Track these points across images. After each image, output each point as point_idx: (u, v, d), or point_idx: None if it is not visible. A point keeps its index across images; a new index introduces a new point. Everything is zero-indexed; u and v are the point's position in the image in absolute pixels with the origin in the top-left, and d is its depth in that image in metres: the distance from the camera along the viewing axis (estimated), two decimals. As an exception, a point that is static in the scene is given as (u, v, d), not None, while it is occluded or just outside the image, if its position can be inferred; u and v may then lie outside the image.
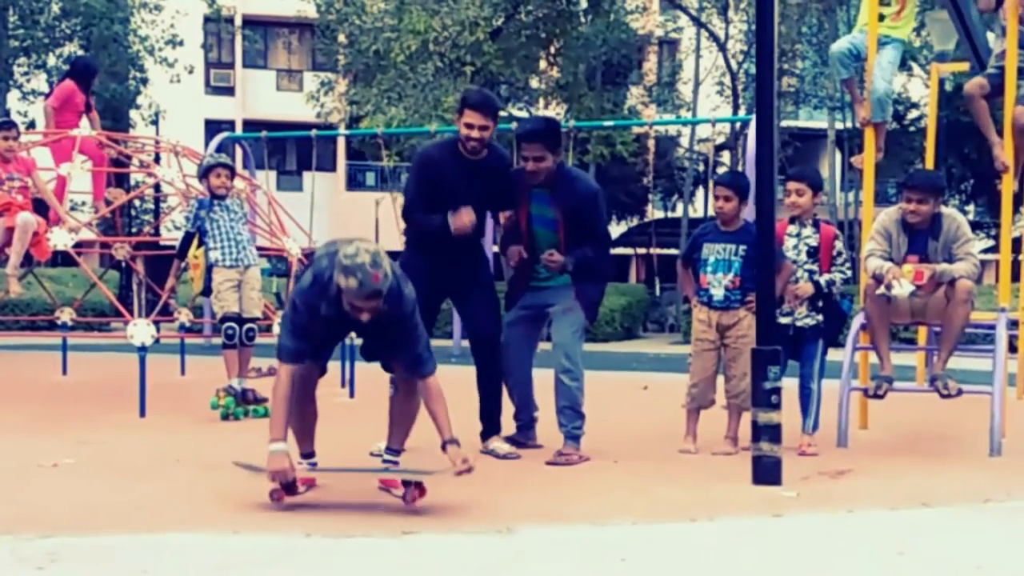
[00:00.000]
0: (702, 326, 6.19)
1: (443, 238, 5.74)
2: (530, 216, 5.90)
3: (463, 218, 5.68)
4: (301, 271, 5.76)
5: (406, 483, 4.31)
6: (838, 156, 29.16)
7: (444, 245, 5.79)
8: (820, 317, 6.21)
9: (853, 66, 7.37)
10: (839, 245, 6.27)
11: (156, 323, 7.73)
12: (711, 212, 6.30)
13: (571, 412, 5.82)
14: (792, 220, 6.30)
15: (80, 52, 22.88)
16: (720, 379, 6.23)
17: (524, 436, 6.21)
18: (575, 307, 5.87)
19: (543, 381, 6.22)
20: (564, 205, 5.82)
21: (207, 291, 7.70)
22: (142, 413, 7.20)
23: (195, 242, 7.79)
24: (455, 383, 7.61)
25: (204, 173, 7.64)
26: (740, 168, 20.59)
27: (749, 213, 6.87)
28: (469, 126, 5.72)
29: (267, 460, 4.31)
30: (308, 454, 4.77)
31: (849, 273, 6.32)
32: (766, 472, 5.03)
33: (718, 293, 6.13)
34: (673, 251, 28.71)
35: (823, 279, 6.18)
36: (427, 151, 6.09)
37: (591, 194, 5.95)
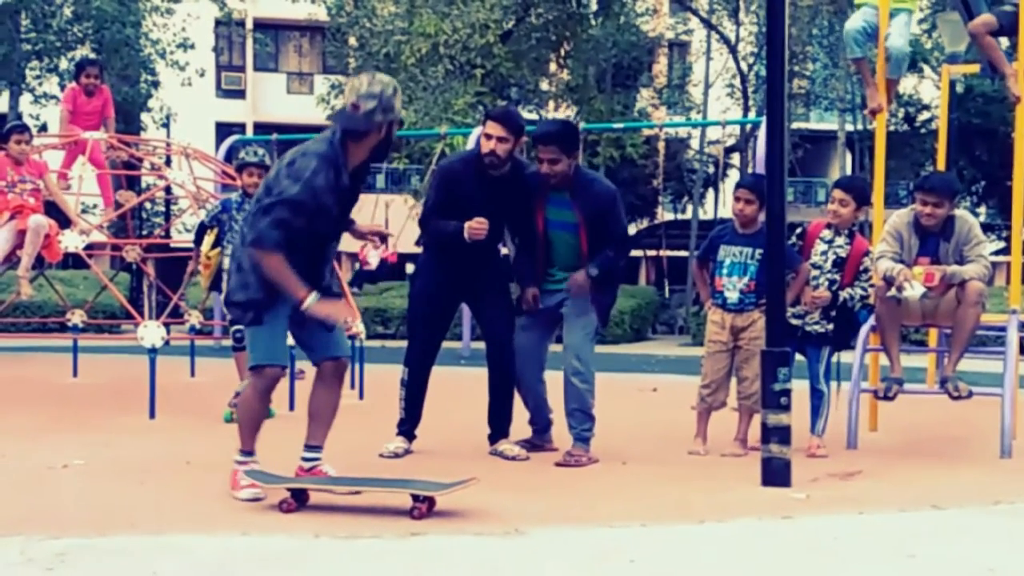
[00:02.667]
0: (715, 327, 6.17)
1: (458, 244, 5.75)
2: (547, 221, 5.88)
3: (477, 226, 5.68)
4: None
5: (415, 496, 4.31)
6: (848, 158, 29.10)
7: (461, 250, 5.79)
8: (831, 327, 6.19)
9: (867, 44, 7.30)
10: (867, 262, 6.22)
11: (166, 325, 7.74)
12: (721, 214, 6.30)
13: (581, 414, 5.82)
14: (829, 225, 6.27)
15: (92, 55, 22.98)
16: (732, 381, 6.22)
17: (540, 439, 6.20)
18: (589, 310, 5.87)
19: (553, 382, 6.22)
20: (585, 208, 5.80)
21: (216, 287, 7.70)
22: (152, 415, 7.22)
23: (211, 240, 7.80)
24: (465, 384, 7.66)
25: (238, 169, 7.66)
26: (750, 170, 20.56)
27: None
28: (488, 137, 5.75)
29: (315, 309, 4.52)
30: (249, 452, 4.72)
31: (870, 291, 6.27)
32: (775, 474, 5.02)
33: (733, 296, 6.11)
34: (683, 253, 28.69)
35: (844, 294, 6.16)
36: (450, 164, 6.15)
37: (610, 196, 5.93)
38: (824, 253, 6.21)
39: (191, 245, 8.29)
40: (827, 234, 6.26)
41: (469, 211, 5.72)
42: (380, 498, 4.48)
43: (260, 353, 4.65)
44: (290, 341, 5.00)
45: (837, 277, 6.19)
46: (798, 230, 6.37)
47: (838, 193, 6.26)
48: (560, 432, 6.12)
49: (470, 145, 12.66)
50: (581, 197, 5.83)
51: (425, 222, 5.98)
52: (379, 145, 4.66)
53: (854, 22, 7.38)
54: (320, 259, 4.74)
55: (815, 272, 6.18)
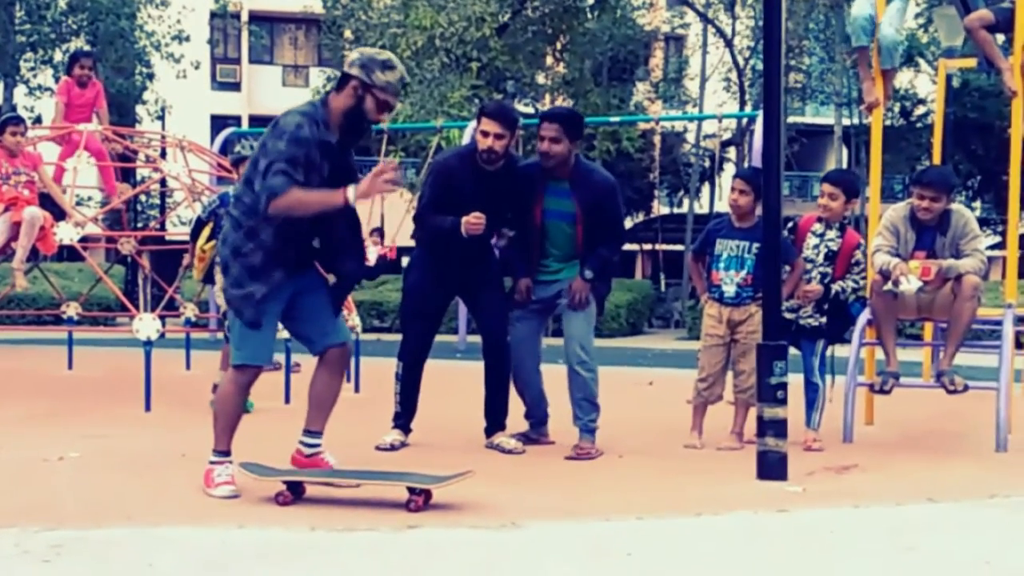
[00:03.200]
0: (712, 321, 6.18)
1: (453, 238, 5.75)
2: (545, 211, 5.89)
3: (475, 221, 5.68)
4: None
5: (412, 489, 4.31)
6: (845, 152, 29.11)
7: (454, 245, 5.80)
8: (824, 320, 6.20)
9: (873, 32, 7.19)
10: (859, 255, 6.23)
11: (162, 318, 7.73)
12: (717, 208, 6.31)
13: (587, 404, 5.83)
14: (820, 219, 6.27)
15: (87, 47, 22.90)
16: (728, 374, 6.22)
17: (537, 433, 6.21)
18: (589, 300, 5.89)
19: (551, 377, 6.22)
20: (584, 198, 5.83)
21: (210, 279, 7.70)
22: (147, 407, 7.21)
23: (206, 233, 7.79)
24: (461, 378, 7.66)
25: (234, 164, 7.66)
26: (746, 164, 20.57)
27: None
28: (484, 134, 5.76)
29: (361, 194, 4.48)
30: (225, 451, 4.63)
31: (863, 283, 6.28)
32: (771, 467, 5.02)
33: (730, 290, 6.12)
34: (679, 247, 28.70)
35: (836, 286, 6.16)
36: (445, 159, 6.14)
37: (610, 187, 5.97)
38: (816, 247, 6.21)
39: (187, 238, 8.28)
40: (818, 228, 6.26)
41: (465, 206, 5.73)
42: (377, 491, 4.48)
43: (247, 353, 4.62)
44: (284, 333, 4.99)
45: (829, 270, 6.19)
46: (789, 224, 6.37)
47: (827, 187, 6.26)
48: (558, 425, 6.13)
49: (466, 139, 12.66)
50: (580, 186, 5.85)
51: (421, 217, 5.98)
52: (350, 111, 4.59)
53: (861, 8, 7.19)
54: (326, 235, 4.67)
55: (807, 266, 6.18)
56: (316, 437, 4.86)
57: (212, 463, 4.61)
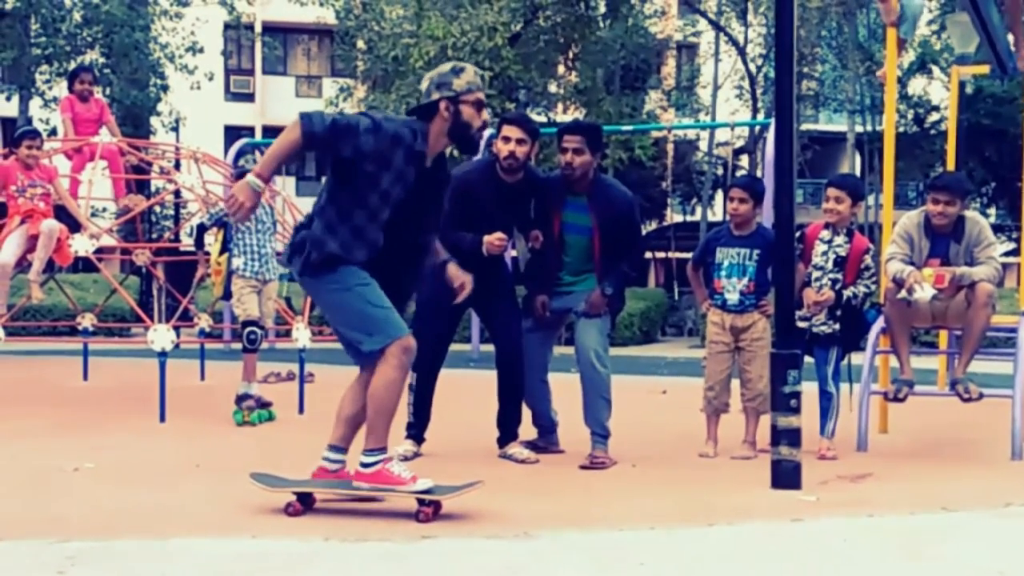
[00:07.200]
0: (716, 328, 6.20)
1: (470, 253, 5.77)
2: (563, 224, 5.92)
3: (497, 242, 5.73)
4: None
5: (421, 500, 4.31)
6: (858, 159, 29.05)
7: (469, 257, 5.80)
8: (837, 326, 6.18)
9: None
10: (868, 259, 6.22)
11: (176, 328, 7.76)
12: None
13: (603, 401, 5.83)
14: (827, 225, 6.27)
15: (101, 60, 23.05)
16: (736, 382, 6.22)
17: (546, 441, 6.22)
18: (603, 312, 5.90)
19: (562, 386, 6.22)
20: (602, 213, 5.86)
21: (227, 295, 7.75)
22: (162, 418, 7.23)
23: (218, 246, 7.83)
24: (474, 387, 7.66)
25: (237, 178, 7.73)
26: (759, 172, 20.55)
27: (768, 216, 6.87)
28: (506, 140, 5.80)
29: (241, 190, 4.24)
30: (384, 448, 4.38)
31: (874, 288, 6.28)
32: (785, 476, 5.01)
33: (733, 297, 6.14)
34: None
35: (848, 292, 6.15)
36: (465, 173, 6.14)
37: (628, 202, 6.01)
38: (825, 254, 6.21)
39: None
40: (826, 234, 6.26)
41: (484, 219, 5.76)
42: (389, 501, 4.49)
43: (389, 329, 4.33)
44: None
45: (839, 276, 6.18)
46: (797, 233, 6.36)
47: (832, 191, 6.25)
48: (568, 434, 6.12)
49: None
50: (599, 201, 5.88)
51: (441, 232, 5.96)
52: (453, 129, 4.49)
53: None
54: (396, 254, 4.52)
55: (817, 273, 6.17)
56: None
57: (381, 461, 4.33)
